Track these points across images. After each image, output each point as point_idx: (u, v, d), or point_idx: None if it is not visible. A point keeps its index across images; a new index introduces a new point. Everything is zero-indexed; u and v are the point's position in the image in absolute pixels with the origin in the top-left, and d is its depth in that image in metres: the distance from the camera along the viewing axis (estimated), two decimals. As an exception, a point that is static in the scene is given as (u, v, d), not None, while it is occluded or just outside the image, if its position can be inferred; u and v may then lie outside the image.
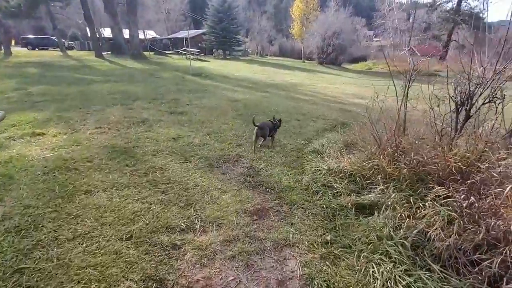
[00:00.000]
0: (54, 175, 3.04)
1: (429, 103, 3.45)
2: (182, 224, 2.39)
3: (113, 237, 2.17)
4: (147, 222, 2.37)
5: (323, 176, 3.33)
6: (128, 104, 6.58)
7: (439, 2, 34.22)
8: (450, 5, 33.45)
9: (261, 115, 6.45)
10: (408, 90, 3.51)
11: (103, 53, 22.37)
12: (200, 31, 36.49)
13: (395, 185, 2.87)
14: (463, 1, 32.25)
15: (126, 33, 23.97)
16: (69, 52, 25.21)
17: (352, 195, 2.96)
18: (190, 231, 2.34)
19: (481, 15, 29.99)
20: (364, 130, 4.66)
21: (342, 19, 26.49)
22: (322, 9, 32.82)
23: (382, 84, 4.71)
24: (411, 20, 34.84)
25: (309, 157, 4.10)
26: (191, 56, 24.01)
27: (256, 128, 4.24)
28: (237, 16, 31.02)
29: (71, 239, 2.15)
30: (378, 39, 52.47)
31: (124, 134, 4.49)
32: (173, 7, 46.02)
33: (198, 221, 2.46)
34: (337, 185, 3.08)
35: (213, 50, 31.15)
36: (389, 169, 3.07)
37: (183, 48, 21.68)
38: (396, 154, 3.18)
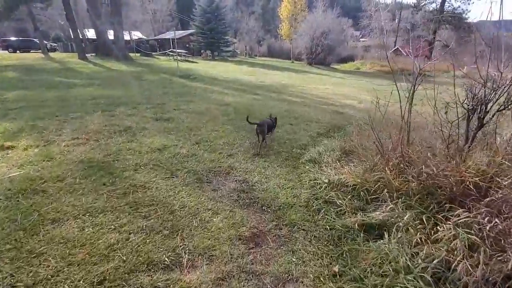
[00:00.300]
0: (18, 201, 2.61)
1: (435, 109, 3.20)
2: (166, 258, 2.03)
3: (81, 281, 1.79)
4: (125, 258, 2.00)
5: (324, 191, 3.03)
6: (111, 110, 6.12)
7: (424, 3, 34.76)
8: (434, 5, 34.03)
9: (252, 121, 6.13)
10: (413, 94, 3.23)
11: (87, 54, 21.52)
12: (188, 31, 35.83)
13: (404, 201, 2.59)
14: (446, 2, 32.87)
15: (111, 34, 23.15)
16: (52, 54, 24.16)
17: (357, 213, 2.66)
18: (176, 267, 1.98)
19: (464, 15, 30.68)
20: (363, 137, 4.41)
21: (330, 20, 26.47)
22: (310, 9, 32.76)
23: (385, 85, 4.45)
24: (396, 20, 35.24)
25: (306, 167, 3.80)
26: (179, 58, 23.48)
27: (256, 126, 4.35)
28: (225, 16, 30.57)
29: (30, 286, 1.76)
30: (365, 39, 53.08)
31: (103, 146, 4.06)
32: (159, 7, 45.06)
33: (186, 254, 2.10)
34: (340, 201, 2.78)
35: (201, 51, 30.59)
36: (395, 182, 2.80)
37: (170, 49, 21.06)
38: (402, 165, 2.92)
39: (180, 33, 36.29)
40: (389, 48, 33.70)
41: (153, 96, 8.09)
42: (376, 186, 2.85)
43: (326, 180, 3.13)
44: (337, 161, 3.77)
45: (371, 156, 3.44)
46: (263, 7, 60.77)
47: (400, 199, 2.61)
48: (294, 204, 2.90)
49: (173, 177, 3.28)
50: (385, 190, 2.78)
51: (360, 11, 41.12)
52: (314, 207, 2.79)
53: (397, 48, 31.00)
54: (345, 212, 2.68)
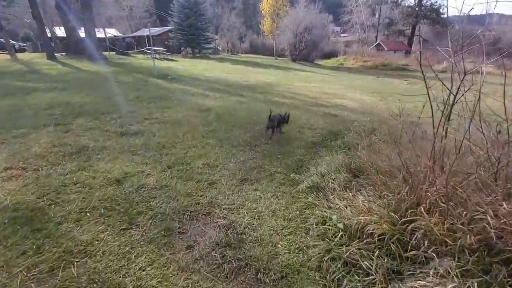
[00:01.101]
0: None
1: (472, 120, 2.43)
2: None
3: None
4: None
5: (340, 242, 2.20)
6: (66, 124, 5.02)
7: (402, -2, 34.80)
8: (412, 0, 34.11)
9: (237, 129, 5.22)
10: (451, 109, 2.45)
11: (56, 54, 19.72)
12: (166, 28, 34.04)
13: (458, 263, 1.81)
14: (424, -4, 32.98)
15: (82, 32, 21.32)
16: (20, 55, 21.99)
17: (392, 281, 1.86)
18: None
19: (441, 10, 30.88)
20: (371, 151, 3.63)
21: (312, 15, 25.72)
22: (292, 4, 31.88)
23: (407, 82, 3.65)
24: (377, 15, 35.10)
25: (309, 198, 2.96)
26: (157, 56, 22.05)
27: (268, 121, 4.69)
28: (205, 12, 29.11)
29: None
30: (346, 35, 53.04)
31: (42, 179, 3.04)
32: (136, 3, 42.74)
33: None
34: (366, 262, 1.96)
35: (181, 49, 29.06)
36: (439, 231, 2.01)
37: (147, 47, 19.57)
38: (445, 205, 2.13)
39: (158, 30, 34.50)
40: (371, 43, 33.58)
41: (122, 102, 6.99)
42: (412, 236, 2.05)
43: (341, 225, 2.30)
44: (347, 189, 2.96)
45: (391, 185, 2.65)
46: (244, 3, 59.21)
47: (453, 260, 1.82)
48: (301, 266, 2.05)
49: (131, 228, 2.35)
50: (426, 242, 2.00)
51: (341, 6, 40.79)
52: (331, 274, 1.95)
53: (379, 43, 30.85)
54: (376, 281, 1.86)
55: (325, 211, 2.63)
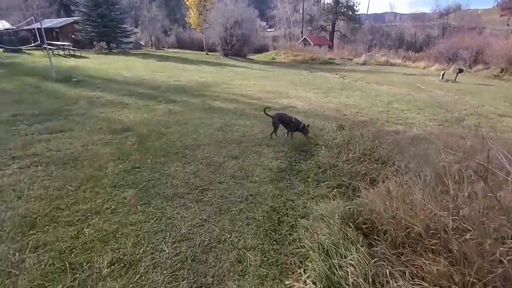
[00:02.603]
0: None
1: None
2: None
3: None
4: None
5: None
6: None
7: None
8: (331, -1, 35.91)
9: (172, 162, 3.50)
10: None
11: None
12: (71, 19, 28.10)
13: None
14: (341, -7, 35.02)
15: None
16: None
17: None
18: None
19: (355, 7, 33.30)
20: (386, 199, 2.44)
21: (241, 8, 24.32)
22: (219, -4, 29.82)
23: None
24: (300, 11, 35.91)
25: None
26: (61, 53, 17.74)
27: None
28: (118, 1, 24.72)
29: None
30: (272, 30, 53.67)
31: None
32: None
33: None
34: None
35: (94, 43, 24.24)
36: None
37: (44, 42, 15.20)
38: None
39: (60, 21, 28.31)
40: (297, 38, 34.26)
41: (-19, 128, 4.41)
42: None
43: None
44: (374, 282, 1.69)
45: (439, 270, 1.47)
46: (165, -6, 53.94)
47: None
48: None
49: None
50: None
51: (265, 1, 40.58)
52: None
53: (305, 38, 31.59)
54: None
55: None
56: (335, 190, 2.99)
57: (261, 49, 32.26)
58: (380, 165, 3.40)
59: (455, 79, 13.91)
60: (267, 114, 4.68)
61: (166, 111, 6.11)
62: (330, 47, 32.39)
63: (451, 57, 20.24)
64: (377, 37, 34.04)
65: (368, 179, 3.20)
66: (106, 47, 24.17)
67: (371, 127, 5.76)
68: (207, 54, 29.33)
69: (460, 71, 14.28)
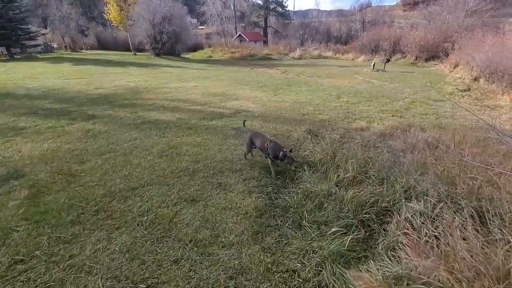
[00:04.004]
0: None
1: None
2: None
3: None
4: None
5: None
6: None
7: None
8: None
9: (94, 232, 2.08)
10: None
11: None
12: None
13: None
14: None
15: None
16: None
17: None
18: None
19: (284, 3, 33.75)
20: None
21: (169, 3, 21.89)
22: (141, -10, 26.44)
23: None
24: (232, 7, 34.82)
25: None
26: None
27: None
28: (16, -3, 19.64)
29: None
30: (203, 27, 51.35)
31: None
32: None
33: None
34: None
35: (-14, 48, 18.89)
36: None
37: None
38: None
39: None
40: (231, 35, 33.17)
41: None
42: None
43: None
44: None
45: None
46: (76, -12, 46.18)
47: None
48: None
49: None
50: None
51: (194, -3, 38.22)
52: None
53: (240, 34, 30.69)
54: None
55: None
56: (347, 236, 2.06)
57: (195, 47, 30.19)
58: (385, 187, 2.60)
59: (384, 68, 14.79)
60: (242, 129, 3.80)
61: (81, 134, 4.38)
62: (265, 42, 32.26)
63: (373, 48, 21.90)
64: (307, 31, 35.30)
65: (380, 210, 2.38)
66: (6, 52, 19.12)
67: (335, 126, 5.17)
68: (135, 54, 26.03)
69: (388, 60, 15.29)
